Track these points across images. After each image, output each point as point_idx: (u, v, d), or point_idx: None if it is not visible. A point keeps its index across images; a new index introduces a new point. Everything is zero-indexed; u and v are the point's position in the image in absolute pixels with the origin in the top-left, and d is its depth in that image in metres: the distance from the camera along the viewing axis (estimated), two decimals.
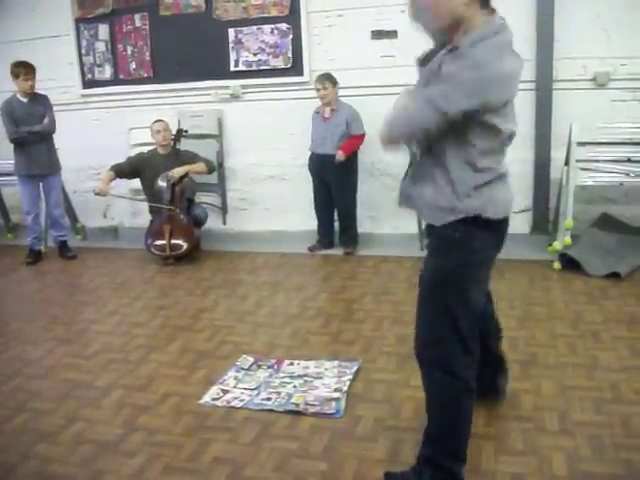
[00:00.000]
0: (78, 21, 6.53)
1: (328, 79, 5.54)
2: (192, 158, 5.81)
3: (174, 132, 5.93)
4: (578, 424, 2.75)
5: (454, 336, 2.21)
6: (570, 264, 4.88)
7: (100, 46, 6.54)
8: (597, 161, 5.02)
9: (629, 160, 5.06)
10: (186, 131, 5.97)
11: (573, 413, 2.85)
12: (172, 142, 5.86)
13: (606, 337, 3.68)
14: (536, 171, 5.51)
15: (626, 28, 5.16)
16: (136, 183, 6.05)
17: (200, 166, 5.79)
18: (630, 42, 5.19)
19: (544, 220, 5.56)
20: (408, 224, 5.71)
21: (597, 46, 5.22)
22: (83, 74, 6.65)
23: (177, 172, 5.67)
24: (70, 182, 6.60)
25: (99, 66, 6.60)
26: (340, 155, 5.49)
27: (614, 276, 4.67)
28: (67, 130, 6.16)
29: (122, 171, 5.83)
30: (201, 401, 3.14)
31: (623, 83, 5.29)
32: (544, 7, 5.24)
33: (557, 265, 4.93)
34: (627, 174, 5.02)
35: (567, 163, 5.07)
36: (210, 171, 5.88)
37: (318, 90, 5.55)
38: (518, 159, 4.97)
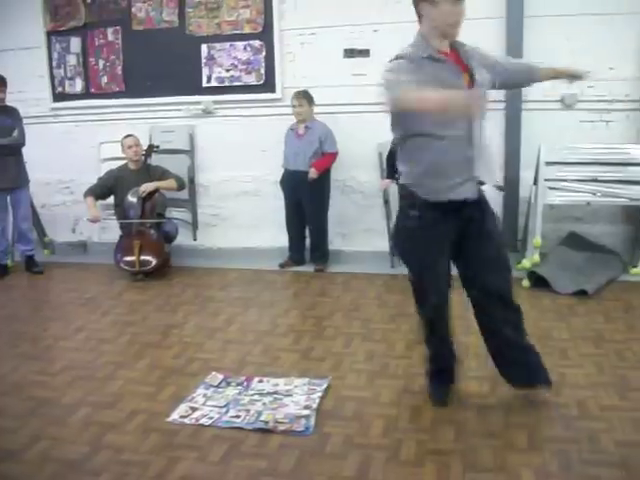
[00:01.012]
0: (50, 33, 6.48)
1: (305, 97, 5.56)
2: (163, 174, 5.79)
3: (145, 147, 5.90)
4: (546, 440, 2.77)
5: None
6: (539, 282, 4.93)
7: (72, 59, 6.50)
8: (565, 180, 5.10)
9: (596, 180, 5.15)
10: (157, 146, 5.95)
11: (541, 429, 2.87)
12: (143, 157, 5.83)
13: (573, 354, 3.72)
14: (505, 190, 5.58)
15: (593, 51, 5.26)
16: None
17: (170, 182, 5.77)
18: (597, 65, 5.28)
19: (513, 238, 5.62)
20: (379, 241, 5.76)
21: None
22: (54, 87, 6.59)
23: (147, 187, 5.64)
24: (39, 196, 6.52)
25: (70, 79, 6.55)
26: (313, 173, 5.50)
27: (582, 294, 4.73)
28: (37, 143, 6.09)
29: (98, 193, 5.79)
30: (169, 419, 3.10)
31: (590, 105, 5.40)
32: (513, 29, 5.34)
33: (526, 283, 4.98)
34: (594, 194, 5.11)
35: (536, 182, 5.15)
36: (180, 188, 5.86)
37: (294, 107, 5.57)
38: None
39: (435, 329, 3.07)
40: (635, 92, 5.33)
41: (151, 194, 5.67)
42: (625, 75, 5.31)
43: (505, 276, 2.99)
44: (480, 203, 2.87)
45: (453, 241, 2.89)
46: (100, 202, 6.14)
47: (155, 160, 5.89)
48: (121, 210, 5.79)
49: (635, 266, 5.28)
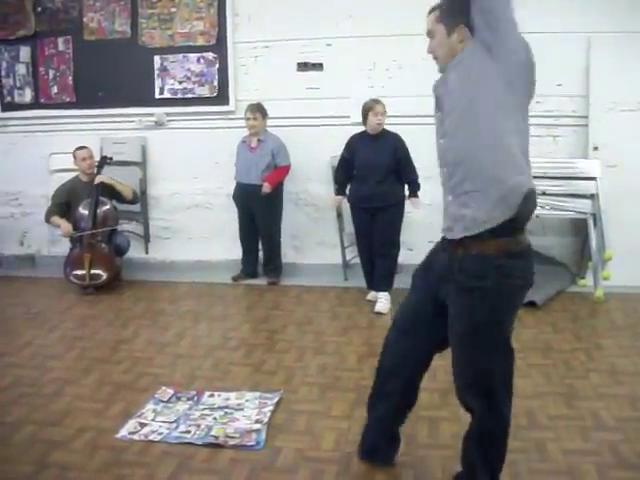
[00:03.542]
0: None
1: (259, 110, 5.56)
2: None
3: (97, 159, 5.81)
4: None
5: None
6: None
7: (21, 68, 6.37)
8: None
9: (544, 194, 5.27)
10: (110, 158, 5.84)
11: None
12: (96, 169, 5.74)
13: (522, 365, 3.76)
14: None
15: (541, 68, 5.35)
16: None
17: (126, 189, 5.73)
18: (544, 81, 5.41)
19: None
20: (332, 254, 5.77)
21: None
22: (2, 96, 6.43)
23: (103, 177, 5.60)
24: None
25: (19, 89, 6.42)
26: (267, 187, 5.49)
27: (531, 305, 4.80)
28: None
29: (59, 212, 5.67)
30: (118, 435, 3.04)
31: (538, 120, 5.49)
32: None
33: None
34: (543, 207, 5.21)
35: None
36: (133, 199, 5.81)
37: (248, 119, 5.55)
38: (440, 191, 5.08)
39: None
40: (582, 108, 5.47)
41: (105, 189, 5.62)
42: (572, 92, 5.46)
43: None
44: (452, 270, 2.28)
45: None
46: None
47: (106, 172, 5.79)
48: (72, 222, 5.67)
49: (583, 277, 5.41)
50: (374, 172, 4.84)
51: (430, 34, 2.31)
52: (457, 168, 2.24)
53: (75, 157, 5.70)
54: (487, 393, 2.30)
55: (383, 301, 4.91)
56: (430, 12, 2.31)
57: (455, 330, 2.30)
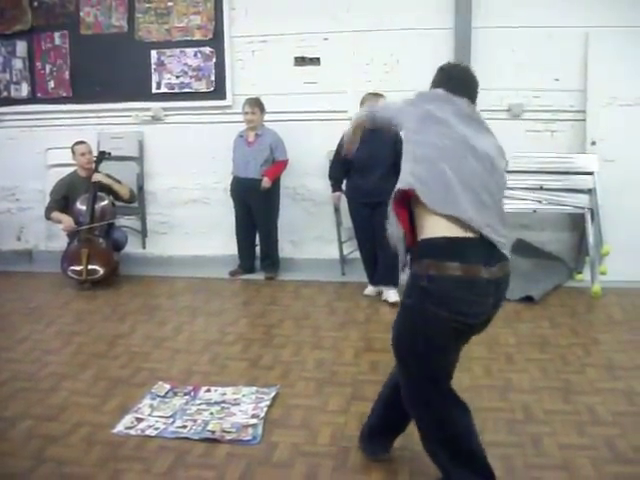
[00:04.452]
0: None
1: (258, 104, 5.55)
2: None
3: (96, 154, 5.80)
4: (491, 445, 2.78)
5: None
6: None
7: (17, 63, 6.35)
8: (512, 189, 5.18)
9: (541, 188, 5.27)
10: (109, 154, 5.82)
11: (486, 434, 2.89)
12: (94, 165, 5.72)
13: (519, 359, 3.78)
14: None
15: (539, 63, 5.40)
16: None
17: (124, 189, 5.72)
18: (542, 76, 5.43)
19: None
20: (329, 249, 5.77)
21: (512, 79, 5.44)
22: None
23: (101, 177, 5.58)
24: None
25: (16, 84, 6.40)
26: (266, 182, 5.49)
27: (528, 300, 4.82)
28: None
29: (58, 207, 5.65)
30: (114, 430, 3.04)
31: (536, 114, 5.52)
32: (461, 40, 5.41)
33: None
34: (540, 201, 5.22)
35: None
36: (130, 199, 5.81)
37: (246, 114, 5.54)
38: None
39: None
40: (579, 103, 5.46)
41: (102, 189, 5.61)
42: (570, 86, 5.45)
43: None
44: None
45: None
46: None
47: (103, 167, 5.78)
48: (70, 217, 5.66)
49: (580, 272, 5.41)
50: (374, 166, 4.83)
51: None
52: None
53: (74, 152, 5.68)
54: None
55: (391, 294, 4.91)
56: None
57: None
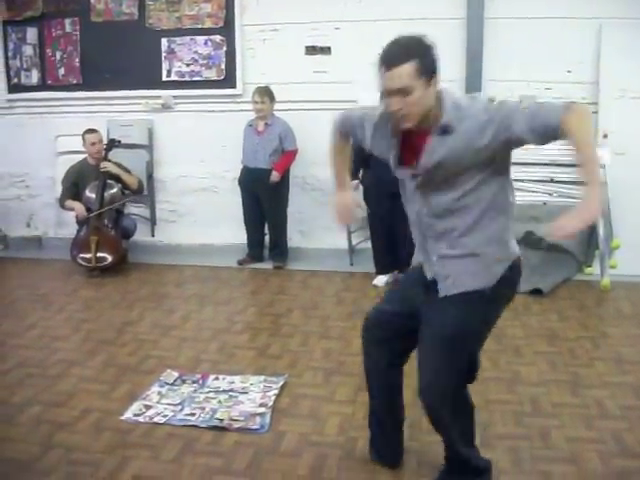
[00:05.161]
0: (5, 23, 6.34)
1: (267, 94, 5.53)
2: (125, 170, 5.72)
3: (106, 142, 5.80)
4: (499, 437, 2.81)
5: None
6: None
7: (28, 50, 6.36)
8: (522, 181, 5.16)
9: (552, 180, 5.25)
10: (119, 142, 5.80)
11: (494, 426, 2.91)
12: (104, 152, 5.72)
13: (527, 352, 3.77)
14: None
15: (551, 54, 5.35)
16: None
17: (132, 179, 5.71)
18: (554, 67, 5.39)
19: None
20: (338, 239, 5.75)
21: (523, 70, 5.40)
22: (9, 78, 6.44)
23: (111, 167, 5.58)
24: None
25: (26, 70, 6.41)
26: (276, 176, 5.48)
27: (537, 292, 4.80)
28: None
29: (70, 195, 5.67)
30: (123, 417, 3.06)
31: None
32: (473, 31, 5.39)
33: None
34: (550, 194, 5.19)
35: None
36: (138, 189, 5.79)
37: (256, 103, 5.52)
38: None
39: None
40: (591, 95, 5.41)
41: (111, 177, 5.61)
42: (582, 78, 5.41)
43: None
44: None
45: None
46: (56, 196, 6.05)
47: (113, 155, 5.78)
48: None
49: (589, 265, 5.38)
50: None
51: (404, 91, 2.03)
52: None
53: (84, 140, 5.68)
54: None
55: None
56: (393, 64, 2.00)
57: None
